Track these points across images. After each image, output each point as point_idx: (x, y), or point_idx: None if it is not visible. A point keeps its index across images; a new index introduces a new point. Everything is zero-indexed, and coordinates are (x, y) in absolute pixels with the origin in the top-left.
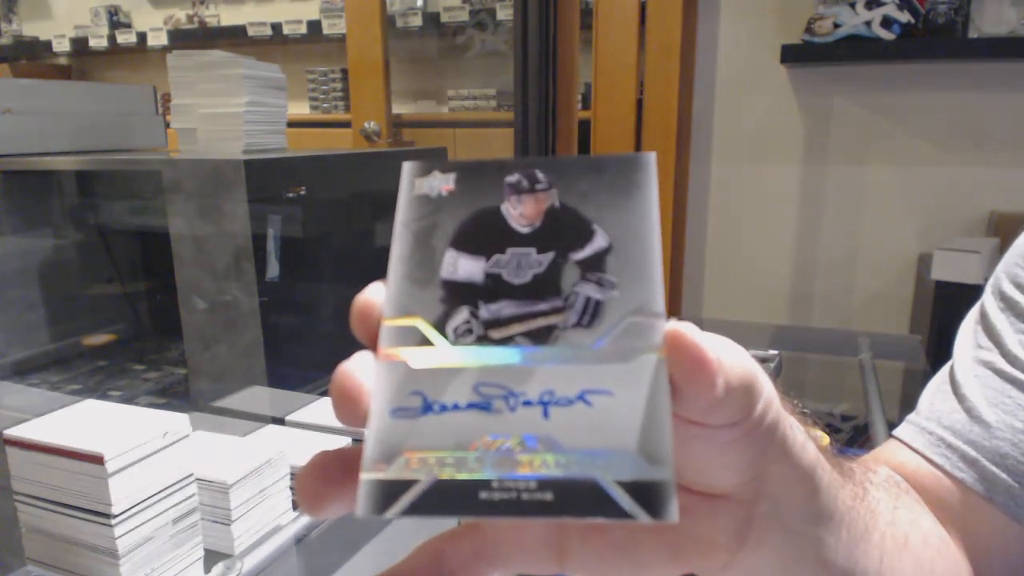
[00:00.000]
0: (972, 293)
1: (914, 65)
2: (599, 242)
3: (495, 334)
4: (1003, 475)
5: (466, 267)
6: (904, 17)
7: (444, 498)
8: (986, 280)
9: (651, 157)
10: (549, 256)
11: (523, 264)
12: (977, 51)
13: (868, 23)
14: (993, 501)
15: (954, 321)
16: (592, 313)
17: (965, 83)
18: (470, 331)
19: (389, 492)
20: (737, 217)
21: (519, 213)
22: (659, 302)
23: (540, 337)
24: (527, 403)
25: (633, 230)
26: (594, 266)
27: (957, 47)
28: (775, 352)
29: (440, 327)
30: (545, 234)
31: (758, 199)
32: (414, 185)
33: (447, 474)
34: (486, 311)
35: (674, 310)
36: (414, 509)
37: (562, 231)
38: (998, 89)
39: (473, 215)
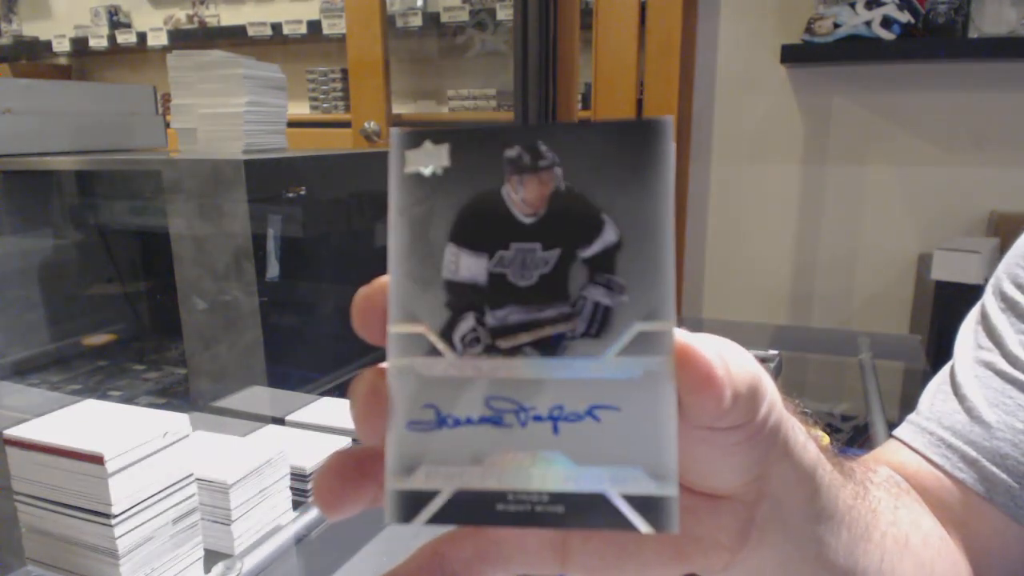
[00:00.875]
0: (972, 293)
1: (914, 65)
2: (608, 236)
3: (503, 343)
4: (1003, 475)
5: (468, 266)
6: (904, 17)
7: (464, 508)
8: (986, 280)
9: (667, 123)
10: (555, 253)
11: (528, 263)
12: (977, 51)
13: (868, 23)
14: (993, 501)
15: (954, 321)
16: (601, 321)
17: (965, 83)
18: (477, 340)
19: (414, 501)
20: (737, 217)
21: (521, 199)
22: (669, 307)
23: (548, 348)
24: (537, 418)
25: (645, 220)
26: (603, 265)
27: (957, 47)
28: (775, 352)
29: (446, 335)
30: (550, 226)
31: (758, 199)
32: (405, 159)
33: (466, 486)
34: (492, 318)
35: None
36: (438, 517)
37: (568, 222)
38: (998, 89)
39: (472, 201)
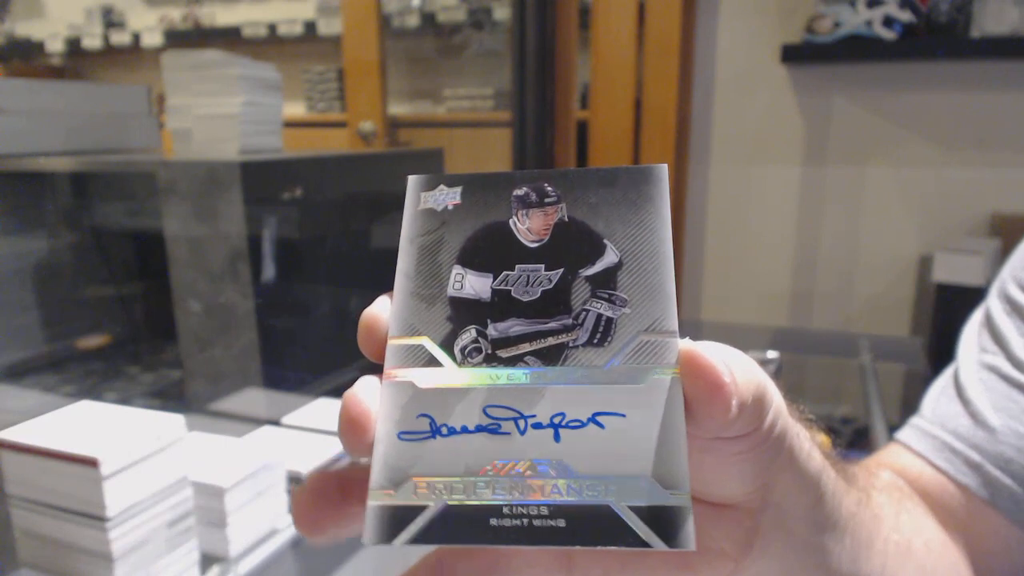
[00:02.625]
0: (974, 295)
1: (915, 65)
2: (610, 257)
3: (504, 354)
4: (1007, 480)
5: (473, 284)
6: (905, 16)
7: (453, 525)
8: (988, 282)
9: (663, 170)
10: (558, 272)
11: (532, 281)
12: (979, 51)
13: (869, 22)
14: (997, 506)
15: (955, 323)
16: (603, 331)
17: (967, 83)
18: (478, 350)
19: (397, 519)
20: (736, 218)
21: (527, 228)
22: (672, 319)
23: (550, 357)
24: (538, 426)
25: (644, 245)
26: (605, 282)
27: (959, 47)
28: (775, 354)
29: (447, 347)
30: (554, 249)
31: (758, 200)
32: (420, 199)
33: (456, 500)
34: (494, 330)
35: None
36: (423, 537)
37: (571, 246)
38: (1000, 89)
39: (480, 230)
